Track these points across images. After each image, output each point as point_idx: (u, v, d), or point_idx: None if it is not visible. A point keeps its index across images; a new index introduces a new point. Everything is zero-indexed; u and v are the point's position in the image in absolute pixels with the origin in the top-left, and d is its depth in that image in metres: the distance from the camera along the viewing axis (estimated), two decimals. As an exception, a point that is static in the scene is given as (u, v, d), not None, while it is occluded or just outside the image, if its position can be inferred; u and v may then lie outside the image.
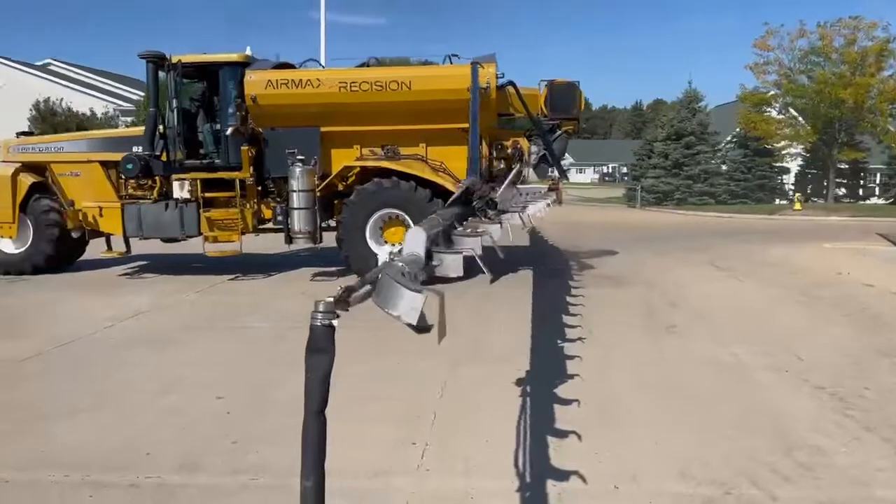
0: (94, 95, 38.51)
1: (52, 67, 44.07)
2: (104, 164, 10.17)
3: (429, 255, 2.40)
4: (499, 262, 11.14)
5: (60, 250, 10.48)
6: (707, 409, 4.58)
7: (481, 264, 2.62)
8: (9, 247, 10.38)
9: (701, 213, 26.89)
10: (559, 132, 10.10)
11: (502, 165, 9.85)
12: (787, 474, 3.60)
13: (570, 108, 9.96)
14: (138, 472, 3.56)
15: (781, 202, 33.31)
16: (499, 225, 3.49)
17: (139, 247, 10.98)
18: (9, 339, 6.54)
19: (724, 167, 34.44)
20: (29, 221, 10.31)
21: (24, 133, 10.79)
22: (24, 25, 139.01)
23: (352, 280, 8.24)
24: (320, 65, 10.31)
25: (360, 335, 6.32)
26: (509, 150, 9.89)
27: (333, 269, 10.34)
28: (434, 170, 9.66)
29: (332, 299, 1.67)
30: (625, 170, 60.24)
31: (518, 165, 9.49)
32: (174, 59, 9.70)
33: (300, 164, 9.42)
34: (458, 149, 9.50)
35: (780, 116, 32.22)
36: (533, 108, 10.00)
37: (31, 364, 5.69)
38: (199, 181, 9.83)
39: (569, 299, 8.08)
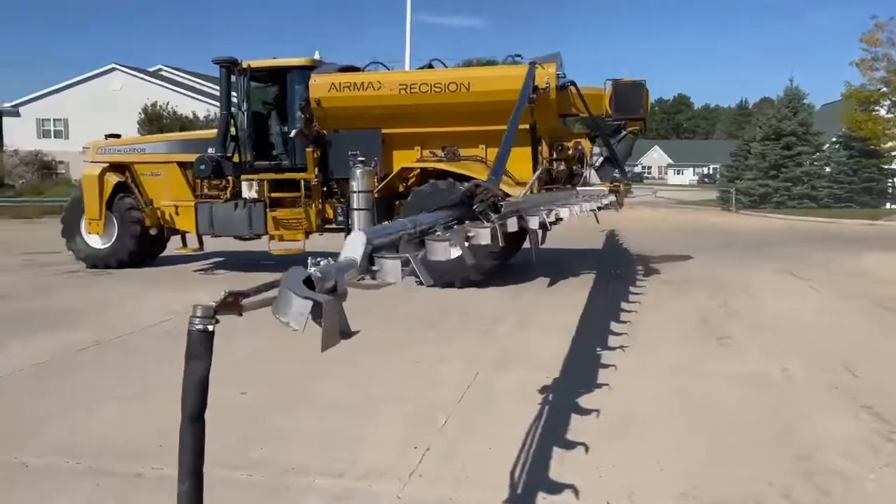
0: (198, 99, 40.59)
1: (162, 73, 46.73)
2: (181, 164, 10.67)
3: (371, 259, 2.38)
4: (562, 265, 11.04)
5: (142, 246, 11.08)
6: (732, 426, 4.34)
7: (419, 271, 2.56)
8: (96, 242, 11.06)
9: (799, 218, 25.50)
10: (624, 133, 9.84)
11: (563, 167, 9.68)
12: (798, 499, 3.37)
13: (636, 109, 9.68)
14: (146, 464, 3.71)
15: (893, 206, 31.17)
16: (488, 229, 3.41)
17: (216, 244, 11.47)
18: (75, 328, 6.95)
19: (827, 169, 32.57)
20: (114, 218, 10.95)
21: (111, 135, 11.46)
22: (139, 33, 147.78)
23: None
24: (386, 67, 10.44)
25: (397, 334, 6.40)
26: (570, 152, 9.71)
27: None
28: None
29: (212, 304, 1.69)
30: (717, 170, 57.86)
31: (556, 165, 9.36)
32: (245, 64, 10.06)
33: (360, 166, 9.58)
34: (519, 150, 9.38)
35: (889, 115, 30.14)
36: (597, 109, 9.79)
37: (85, 353, 6.04)
38: (266, 182, 10.17)
39: (623, 305, 7.87)
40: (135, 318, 7.38)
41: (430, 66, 10.14)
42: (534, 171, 9.34)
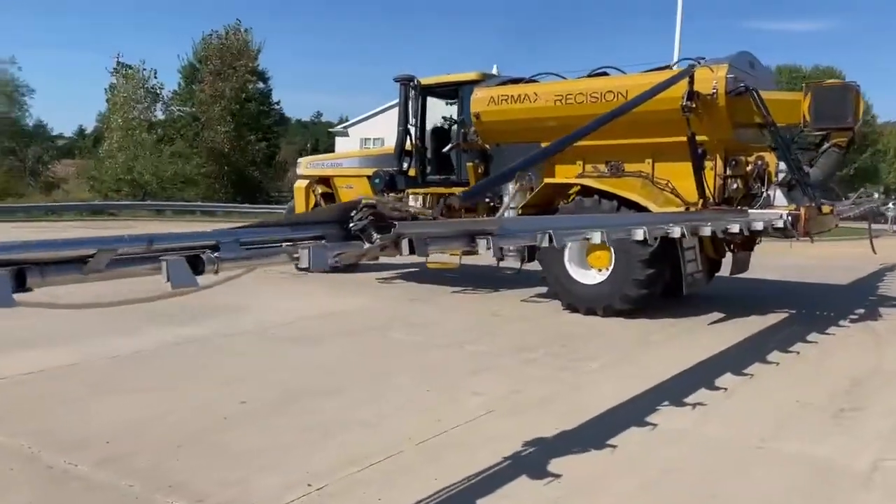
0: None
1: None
2: (370, 177, 11.28)
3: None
4: (765, 299, 9.40)
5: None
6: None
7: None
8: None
9: None
10: (827, 146, 8.07)
11: (736, 185, 8.23)
12: None
13: (842, 117, 7.86)
14: (108, 457, 3.93)
15: None
16: (316, 250, 3.02)
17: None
18: (197, 324, 7.68)
19: None
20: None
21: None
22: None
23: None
24: (560, 78, 9.88)
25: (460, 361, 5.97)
26: (748, 168, 8.22)
27: (543, 290, 9.73)
28: (654, 189, 8.55)
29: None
30: None
31: (729, 183, 7.90)
32: (419, 82, 10.31)
33: (514, 182, 9.23)
34: (682, 166, 8.29)
35: None
36: (793, 118, 8.16)
37: (178, 348, 6.65)
38: (430, 195, 10.29)
39: (736, 352, 6.47)
40: (260, 319, 7.96)
41: (605, 74, 9.37)
42: (699, 190, 8.11)
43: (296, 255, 2.99)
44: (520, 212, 9.04)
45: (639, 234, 5.16)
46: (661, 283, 8.27)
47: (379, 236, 3.34)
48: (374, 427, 4.49)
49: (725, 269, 9.57)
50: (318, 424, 4.51)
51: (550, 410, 4.88)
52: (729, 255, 9.21)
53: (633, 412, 4.82)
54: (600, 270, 8.49)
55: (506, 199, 9.31)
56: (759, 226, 6.99)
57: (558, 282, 8.73)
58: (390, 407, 4.89)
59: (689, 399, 5.12)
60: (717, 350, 6.77)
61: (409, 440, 4.21)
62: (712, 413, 4.87)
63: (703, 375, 5.79)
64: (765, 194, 8.10)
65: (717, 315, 8.56)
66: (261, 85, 42.23)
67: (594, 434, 4.43)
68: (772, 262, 13.00)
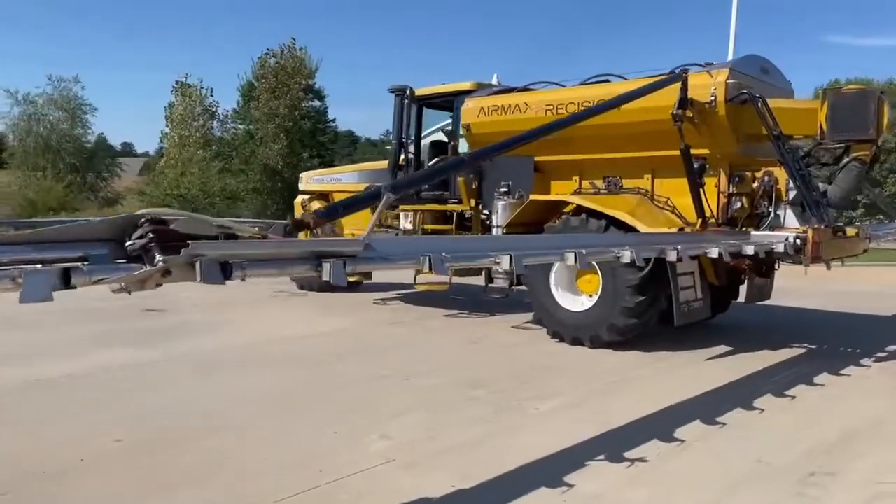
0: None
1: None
2: (363, 194, 10.77)
3: None
4: (791, 330, 8.44)
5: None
6: None
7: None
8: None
9: None
10: (847, 160, 7.10)
11: (740, 205, 7.33)
12: None
13: (863, 127, 6.90)
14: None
15: None
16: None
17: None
18: (148, 346, 7.31)
19: None
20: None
21: (325, 164, 12.13)
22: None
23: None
24: (560, 87, 9.16)
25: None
26: (755, 184, 7.31)
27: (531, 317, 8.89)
28: (650, 207, 7.74)
29: None
30: None
31: (733, 201, 7.00)
32: (412, 92, 9.78)
33: (503, 198, 8.56)
34: (681, 181, 7.47)
35: None
36: (809, 129, 7.26)
37: (105, 374, 6.26)
38: (420, 213, 9.70)
39: (721, 395, 5.60)
40: (246, 336, 7.56)
41: (606, 81, 8.61)
42: (696, 208, 7.26)
43: (19, 280, 2.43)
44: (504, 231, 8.35)
45: (552, 259, 4.41)
46: (655, 311, 7.42)
47: (163, 258, 2.76)
48: (242, 476, 3.92)
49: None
50: (180, 471, 3.96)
51: (459, 462, 4.19)
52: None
53: (554, 468, 4.09)
54: (591, 296, 7.70)
55: (493, 217, 8.63)
56: (749, 250, 6.09)
57: (543, 307, 7.99)
58: (279, 451, 4.30)
59: (632, 453, 4.35)
60: (701, 391, 5.91)
61: (268, 495, 3.62)
62: (648, 473, 4.09)
63: (665, 423, 4.98)
64: (772, 214, 7.19)
65: (722, 349, 7.64)
66: (317, 103, 42.56)
67: (492, 497, 3.74)
68: (822, 287, 11.91)
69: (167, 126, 36.66)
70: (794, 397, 5.75)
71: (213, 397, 5.48)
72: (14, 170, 39.13)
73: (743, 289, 8.10)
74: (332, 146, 45.47)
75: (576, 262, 4.38)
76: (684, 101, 7.03)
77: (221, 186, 30.63)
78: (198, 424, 4.78)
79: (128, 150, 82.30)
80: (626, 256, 4.73)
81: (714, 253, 5.60)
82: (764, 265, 7.69)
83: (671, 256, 5.17)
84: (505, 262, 4.01)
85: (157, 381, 5.93)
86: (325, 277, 3.25)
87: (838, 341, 8.26)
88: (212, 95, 37.40)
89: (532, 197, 8.24)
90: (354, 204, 4.31)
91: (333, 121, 45.84)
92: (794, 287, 10.03)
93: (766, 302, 8.29)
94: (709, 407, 5.40)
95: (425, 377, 6.19)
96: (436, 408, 5.28)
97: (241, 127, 40.06)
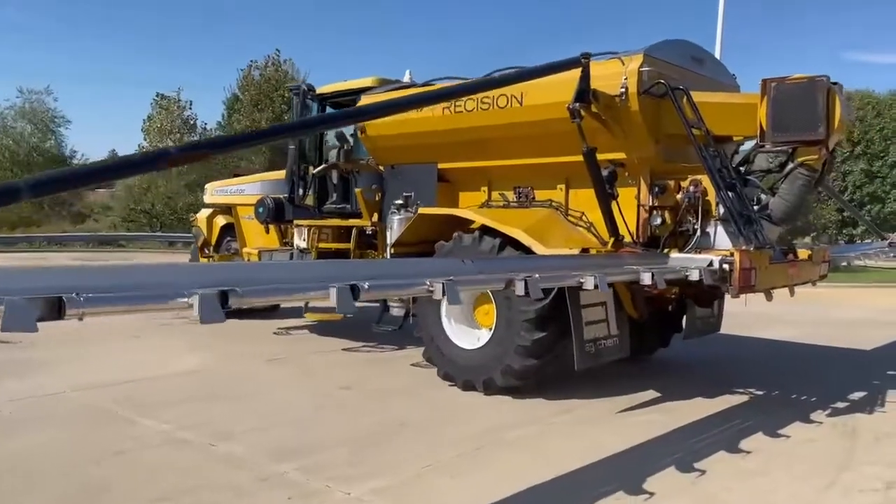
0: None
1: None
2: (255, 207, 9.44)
3: None
4: (734, 371, 7.06)
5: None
6: None
7: None
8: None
9: None
10: (792, 166, 5.75)
11: (661, 220, 5.97)
12: None
13: (810, 125, 5.55)
14: None
15: None
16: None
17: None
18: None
19: None
20: (223, 263, 10.25)
21: (237, 174, 10.86)
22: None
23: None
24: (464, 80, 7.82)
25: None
26: (678, 196, 5.95)
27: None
28: (556, 224, 6.41)
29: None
30: None
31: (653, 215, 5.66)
32: (312, 90, 8.52)
33: (399, 212, 7.26)
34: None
35: None
36: (747, 128, 5.94)
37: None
38: (314, 229, 8.39)
39: (604, 470, 4.22)
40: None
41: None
42: (607, 224, 5.93)
43: None
44: (391, 251, 7.03)
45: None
46: (559, 350, 6.06)
47: None
48: None
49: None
50: None
51: None
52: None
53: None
54: (490, 329, 6.36)
55: (388, 234, 7.32)
56: (646, 279, 4.71)
57: (433, 343, 6.65)
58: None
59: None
60: (585, 462, 4.55)
61: None
62: None
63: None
64: (698, 232, 5.84)
65: (648, 395, 6.29)
66: (300, 114, 41.64)
67: None
68: (807, 314, 10.57)
69: (144, 139, 35.70)
70: (701, 473, 4.37)
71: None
72: (-20, 184, 38.06)
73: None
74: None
75: (443, 294, 3.19)
76: (584, 94, 5.72)
77: (190, 202, 29.44)
78: None
79: (71, 161, 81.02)
80: (520, 288, 3.49)
81: (589, 284, 4.22)
82: (705, 293, 6.32)
83: (521, 288, 3.83)
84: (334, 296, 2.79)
85: None
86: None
87: (795, 386, 6.87)
88: (190, 108, 36.45)
89: (420, 211, 6.91)
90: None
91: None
92: (774, 313, 8.14)
93: (734, 332, 6.91)
94: (582, 489, 4.05)
95: (236, 441, 4.83)
96: (209, 493, 3.94)
97: (222, 140, 39.15)
